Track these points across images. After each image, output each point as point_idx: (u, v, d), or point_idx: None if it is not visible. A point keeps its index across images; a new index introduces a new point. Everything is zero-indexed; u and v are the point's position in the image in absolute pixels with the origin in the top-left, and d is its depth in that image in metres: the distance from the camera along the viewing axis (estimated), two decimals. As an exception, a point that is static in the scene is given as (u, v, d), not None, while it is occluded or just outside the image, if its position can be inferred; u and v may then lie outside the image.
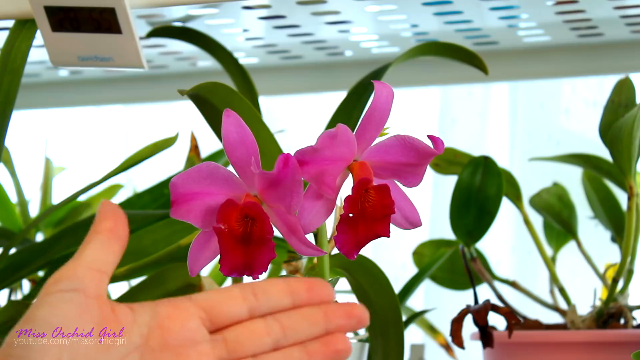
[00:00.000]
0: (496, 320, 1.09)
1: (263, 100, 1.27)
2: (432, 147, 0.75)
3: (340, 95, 1.07)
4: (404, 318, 1.01)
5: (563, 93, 1.65)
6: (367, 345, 0.97)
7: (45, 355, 0.55)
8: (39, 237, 1.30)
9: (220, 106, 0.81)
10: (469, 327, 1.05)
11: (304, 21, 1.17)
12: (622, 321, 1.08)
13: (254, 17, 1.15)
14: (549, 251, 1.23)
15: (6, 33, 0.97)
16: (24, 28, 0.96)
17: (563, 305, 1.15)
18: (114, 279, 0.97)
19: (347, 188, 0.75)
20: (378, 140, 0.76)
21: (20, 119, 1.58)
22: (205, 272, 1.15)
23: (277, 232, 0.75)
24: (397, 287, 1.00)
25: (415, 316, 1.19)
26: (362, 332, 0.96)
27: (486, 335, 1.04)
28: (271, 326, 0.61)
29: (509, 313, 1.02)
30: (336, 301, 0.63)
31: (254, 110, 0.82)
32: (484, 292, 1.13)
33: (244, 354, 0.60)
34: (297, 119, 1.71)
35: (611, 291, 1.07)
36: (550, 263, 1.16)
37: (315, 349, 0.61)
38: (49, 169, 1.36)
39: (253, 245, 0.73)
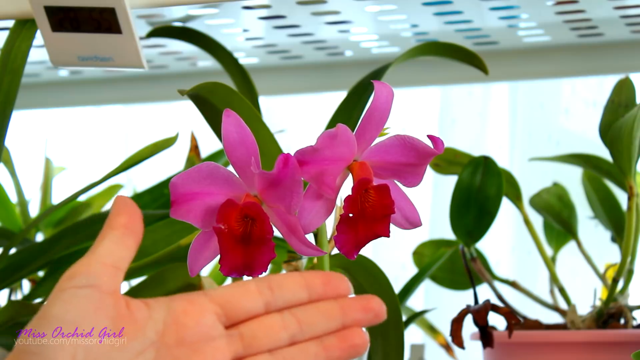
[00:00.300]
0: (496, 320, 1.09)
1: (263, 100, 1.27)
2: (432, 147, 0.75)
3: (340, 95, 1.07)
4: (404, 318, 1.01)
5: (563, 93, 1.65)
6: (367, 345, 0.96)
7: (59, 352, 0.55)
8: (39, 237, 1.29)
9: (220, 106, 0.81)
10: (469, 327, 1.05)
11: (304, 21, 1.17)
12: (622, 321, 1.08)
13: (254, 17, 1.15)
14: (549, 251, 1.23)
15: (6, 33, 0.97)
16: (24, 28, 0.96)
17: (563, 305, 1.15)
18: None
19: (347, 188, 0.75)
20: (378, 140, 0.76)
21: (20, 119, 1.58)
22: (205, 272, 1.15)
23: (277, 232, 0.75)
24: (397, 287, 1.00)
25: (415, 316, 1.19)
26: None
27: (486, 335, 1.03)
28: (287, 321, 0.60)
29: (509, 313, 1.01)
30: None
31: (254, 110, 0.82)
32: (484, 292, 1.12)
33: (260, 349, 0.60)
34: (297, 119, 1.70)
35: (611, 291, 1.07)
36: (550, 263, 1.15)
37: (332, 344, 0.60)
38: (49, 169, 1.36)
39: (253, 245, 0.73)
